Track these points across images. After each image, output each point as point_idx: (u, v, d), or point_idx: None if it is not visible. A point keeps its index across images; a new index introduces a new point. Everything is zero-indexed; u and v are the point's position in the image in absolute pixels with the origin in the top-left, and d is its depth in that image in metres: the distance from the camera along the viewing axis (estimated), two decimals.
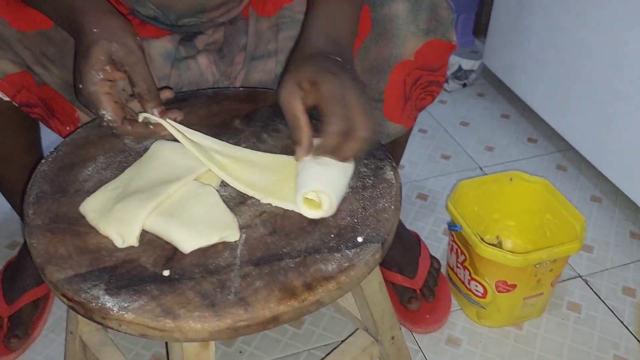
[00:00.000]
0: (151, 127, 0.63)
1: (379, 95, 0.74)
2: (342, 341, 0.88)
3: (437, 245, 1.10)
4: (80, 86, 0.60)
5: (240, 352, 0.92)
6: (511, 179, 0.99)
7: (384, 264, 0.98)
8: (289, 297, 0.49)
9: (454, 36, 0.74)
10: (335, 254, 0.53)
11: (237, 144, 0.65)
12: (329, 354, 0.83)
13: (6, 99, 0.72)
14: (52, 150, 0.64)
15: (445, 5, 0.71)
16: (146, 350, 0.92)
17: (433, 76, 0.76)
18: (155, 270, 0.51)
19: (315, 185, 0.55)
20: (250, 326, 0.48)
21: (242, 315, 0.48)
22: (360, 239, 0.54)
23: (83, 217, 0.55)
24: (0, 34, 0.69)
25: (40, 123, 0.80)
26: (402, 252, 0.97)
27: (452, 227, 0.91)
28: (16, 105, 0.72)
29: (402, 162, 1.31)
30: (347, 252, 0.53)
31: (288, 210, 0.57)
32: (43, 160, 0.63)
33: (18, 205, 0.87)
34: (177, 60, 0.78)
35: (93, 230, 0.54)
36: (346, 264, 0.52)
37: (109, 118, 0.61)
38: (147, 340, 0.93)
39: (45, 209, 0.57)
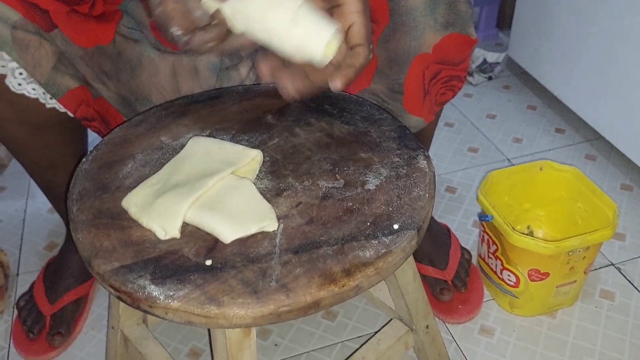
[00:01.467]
0: (215, 22, 0.55)
1: (398, 86, 0.75)
2: (376, 332, 0.89)
3: (467, 237, 1.11)
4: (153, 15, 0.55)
5: (276, 345, 0.93)
6: (541, 168, 0.99)
7: (415, 257, 0.99)
8: (329, 283, 0.50)
9: (474, 30, 0.74)
10: (372, 241, 0.54)
11: (270, 138, 0.66)
12: (363, 344, 0.84)
13: (70, 114, 0.75)
14: (92, 149, 0.66)
15: None
16: (183, 345, 0.94)
17: (453, 70, 0.76)
18: (197, 260, 0.52)
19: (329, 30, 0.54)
20: (292, 311, 0.49)
21: (284, 301, 0.49)
22: (396, 226, 0.55)
23: (125, 211, 0.57)
24: (64, 51, 0.72)
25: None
26: (433, 244, 0.98)
27: (483, 217, 0.91)
28: (72, 117, 0.75)
29: (430, 155, 1.31)
30: (384, 239, 0.54)
31: (324, 200, 0.58)
32: (84, 160, 0.65)
33: (63, 209, 0.90)
34: (222, 70, 0.80)
35: (135, 224, 0.56)
36: (383, 250, 0.53)
37: (178, 33, 0.54)
38: (185, 335, 0.95)
39: (88, 205, 0.59)
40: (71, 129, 0.83)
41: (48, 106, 0.76)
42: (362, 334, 0.94)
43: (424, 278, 0.98)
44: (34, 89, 0.74)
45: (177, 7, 0.54)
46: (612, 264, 1.04)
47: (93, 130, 0.80)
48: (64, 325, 0.94)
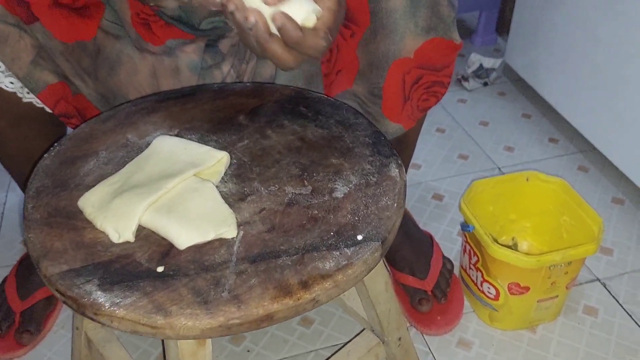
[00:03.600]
0: None
1: (378, 91, 0.73)
2: (347, 343, 0.87)
3: (451, 246, 1.08)
4: None
5: (248, 351, 0.91)
6: (527, 179, 0.97)
7: (395, 265, 0.97)
8: (284, 295, 0.48)
9: (457, 35, 0.71)
10: (334, 252, 0.51)
11: (240, 140, 0.64)
12: (336, 352, 0.82)
13: (47, 109, 0.73)
14: (55, 144, 0.64)
15: (446, 3, 0.69)
16: (154, 348, 0.92)
17: (436, 76, 0.73)
18: (149, 266, 0.50)
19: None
20: (242, 324, 0.47)
21: (235, 313, 0.47)
22: (360, 237, 0.53)
23: (81, 211, 0.55)
24: (44, 45, 0.70)
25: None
26: (414, 253, 0.96)
27: (465, 227, 0.89)
28: (52, 113, 0.73)
29: (419, 161, 1.29)
30: (346, 250, 0.51)
31: (289, 207, 0.56)
32: (46, 155, 0.63)
33: None
34: (204, 69, 0.77)
35: (90, 224, 0.54)
36: (344, 262, 0.50)
37: None
38: (155, 338, 0.93)
39: (44, 203, 0.56)
40: (50, 123, 0.80)
41: (25, 100, 0.74)
42: (337, 343, 0.92)
43: (403, 287, 0.95)
44: (11, 83, 0.72)
45: None
46: (598, 279, 1.02)
47: (71, 127, 0.78)
48: (33, 323, 0.92)
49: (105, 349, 0.73)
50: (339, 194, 0.57)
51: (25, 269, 0.97)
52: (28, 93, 0.73)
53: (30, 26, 0.69)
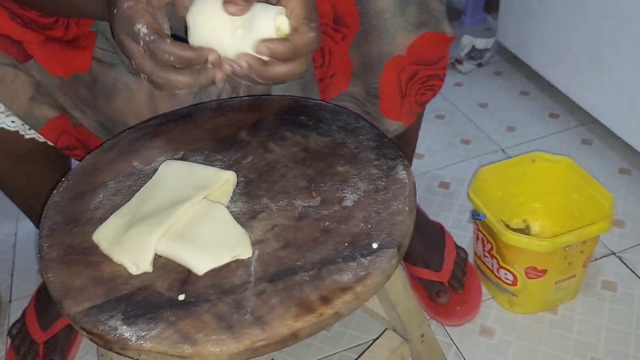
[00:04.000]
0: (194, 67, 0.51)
1: (374, 91, 0.73)
2: (373, 341, 0.87)
3: (462, 234, 1.08)
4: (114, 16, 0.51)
5: (272, 359, 0.91)
6: (533, 161, 0.97)
7: (409, 260, 0.97)
8: (306, 312, 0.48)
9: (449, 27, 0.71)
10: (351, 263, 0.51)
11: (244, 157, 0.64)
12: (360, 355, 0.82)
13: (41, 140, 0.73)
14: (62, 179, 0.64)
15: None
16: None
17: (431, 70, 0.73)
18: (170, 295, 0.50)
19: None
20: (269, 345, 0.47)
21: (260, 335, 0.47)
22: (375, 246, 0.53)
23: (96, 246, 0.55)
24: (40, 82, 0.70)
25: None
26: (426, 246, 0.96)
27: (476, 216, 0.89)
28: (54, 146, 0.73)
29: (422, 150, 1.29)
30: (363, 260, 0.52)
31: (300, 221, 0.56)
32: (55, 192, 0.63)
33: None
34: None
35: (107, 258, 0.54)
36: (362, 273, 0.51)
37: (145, 32, 0.49)
38: None
39: (59, 241, 0.57)
40: (54, 156, 0.81)
41: (27, 137, 0.74)
42: (360, 343, 0.92)
43: (419, 281, 0.96)
44: (12, 122, 0.72)
45: (145, 7, 0.50)
46: (613, 253, 1.02)
47: (76, 159, 0.78)
48: (57, 352, 0.92)
49: None
50: (348, 203, 0.58)
51: (44, 298, 0.98)
52: (30, 129, 0.74)
53: (25, 64, 0.69)
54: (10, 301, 1.05)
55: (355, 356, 0.90)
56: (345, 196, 0.58)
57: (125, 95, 0.76)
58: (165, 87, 0.52)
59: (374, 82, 0.72)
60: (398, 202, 0.57)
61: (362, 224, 0.55)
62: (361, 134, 0.66)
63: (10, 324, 0.99)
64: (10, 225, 1.22)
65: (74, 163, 0.84)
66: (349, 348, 0.92)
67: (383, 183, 0.59)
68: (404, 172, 0.60)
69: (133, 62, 0.52)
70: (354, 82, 0.74)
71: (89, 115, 0.75)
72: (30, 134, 0.74)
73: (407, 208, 0.56)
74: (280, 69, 0.51)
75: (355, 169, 0.61)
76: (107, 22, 0.54)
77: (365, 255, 0.52)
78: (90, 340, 0.50)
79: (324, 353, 0.92)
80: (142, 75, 0.52)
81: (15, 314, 1.02)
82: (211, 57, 0.51)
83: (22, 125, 0.73)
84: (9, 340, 0.95)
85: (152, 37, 0.49)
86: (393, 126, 0.76)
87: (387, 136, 0.77)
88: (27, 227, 1.21)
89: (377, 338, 0.77)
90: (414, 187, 0.59)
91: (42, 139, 0.73)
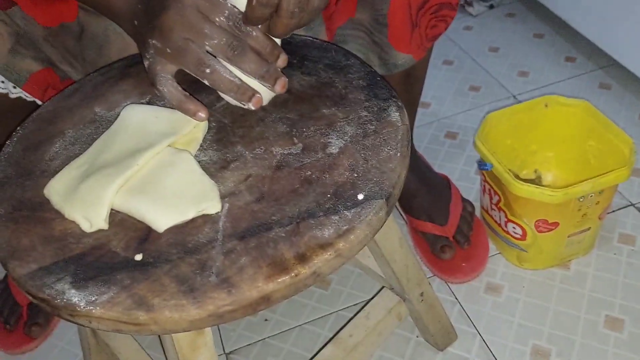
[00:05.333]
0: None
1: (382, 18, 0.65)
2: (367, 301, 0.82)
3: (470, 186, 1.01)
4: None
5: (266, 320, 0.87)
6: (546, 105, 0.88)
7: (412, 213, 0.91)
8: (279, 273, 0.42)
9: None
10: (333, 217, 0.45)
11: (218, 99, 0.57)
12: (354, 315, 0.77)
13: (30, 98, 0.67)
14: (17, 128, 0.58)
15: None
16: None
17: None
18: (126, 255, 0.44)
19: None
20: (236, 310, 0.41)
21: (225, 300, 0.41)
22: (360, 197, 0.46)
23: (48, 201, 0.49)
24: (25, 32, 0.64)
25: None
26: (431, 199, 0.89)
27: (482, 165, 0.82)
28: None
29: (428, 99, 1.20)
30: (346, 212, 0.45)
31: (278, 170, 0.49)
32: (8, 142, 0.56)
33: None
34: None
35: (60, 215, 0.48)
36: (345, 227, 0.44)
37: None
38: None
39: (8, 196, 0.51)
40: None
41: (12, 96, 0.68)
42: (358, 302, 0.87)
43: (423, 235, 0.89)
44: None
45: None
46: (632, 204, 0.95)
47: None
48: (41, 315, 0.88)
49: (111, 339, 0.69)
50: (333, 150, 0.51)
51: None
52: (14, 87, 0.67)
53: (8, 12, 0.62)
54: None
55: (353, 315, 0.85)
56: (330, 142, 0.51)
57: (118, 46, 0.69)
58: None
59: (381, 9, 0.64)
60: (389, 147, 0.50)
61: (347, 173, 0.48)
62: (350, 72, 0.58)
63: None
64: None
65: None
66: (347, 307, 0.87)
67: (373, 127, 0.52)
68: (397, 113, 0.53)
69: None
70: (361, 8, 0.67)
71: (78, 69, 0.68)
72: (15, 92, 0.67)
73: (398, 154, 0.49)
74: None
75: (343, 112, 0.54)
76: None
77: (349, 208, 0.45)
78: (38, 305, 0.44)
79: (320, 313, 0.86)
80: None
81: None
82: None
83: (3, 82, 0.66)
84: None
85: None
86: (401, 59, 0.69)
87: (392, 70, 0.70)
88: None
89: (373, 297, 0.71)
90: (408, 131, 0.52)
91: (30, 98, 0.66)
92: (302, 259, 0.43)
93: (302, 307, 0.87)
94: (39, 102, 0.69)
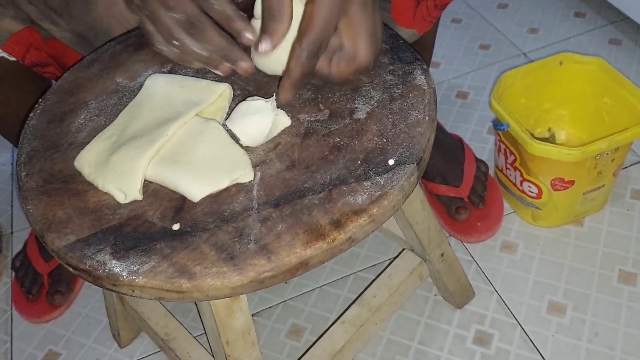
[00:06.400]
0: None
1: None
2: (390, 262, 0.83)
3: (482, 146, 1.02)
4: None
5: (286, 282, 0.88)
6: (561, 63, 0.88)
7: (426, 176, 0.91)
8: (316, 239, 0.43)
9: None
10: (364, 183, 0.45)
11: None
12: (377, 277, 0.78)
13: (12, 59, 0.66)
14: (40, 100, 0.57)
15: None
16: None
17: None
18: (164, 224, 0.45)
19: None
20: (276, 276, 0.42)
21: (266, 266, 0.42)
22: (391, 162, 0.46)
23: (79, 173, 0.50)
24: None
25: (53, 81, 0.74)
26: (444, 160, 0.89)
27: (498, 126, 0.82)
28: (25, 65, 0.66)
29: (438, 58, 1.19)
30: (378, 178, 0.46)
31: (306, 138, 0.50)
32: (31, 114, 0.56)
33: None
34: None
35: (92, 187, 0.49)
36: (377, 193, 0.45)
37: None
38: None
39: (38, 169, 0.51)
40: (29, 77, 0.74)
41: None
42: (375, 263, 0.88)
43: (437, 198, 0.90)
44: None
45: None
46: None
47: (49, 77, 0.71)
48: (62, 283, 0.89)
49: (138, 305, 0.71)
50: (360, 115, 0.51)
51: None
52: None
53: None
54: (11, 232, 1.02)
55: (371, 277, 0.87)
56: (356, 107, 0.51)
57: (105, 0, 0.67)
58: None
59: None
60: (417, 111, 0.50)
61: (376, 139, 0.49)
62: None
63: (13, 256, 0.96)
64: (6, 156, 1.17)
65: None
66: (364, 269, 0.88)
67: (399, 90, 0.52)
68: (423, 77, 0.53)
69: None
70: None
71: (62, 26, 0.66)
72: None
73: (427, 118, 0.49)
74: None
75: (367, 76, 0.54)
76: None
77: (380, 173, 0.46)
78: (79, 276, 0.45)
79: (338, 275, 0.88)
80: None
81: (17, 246, 0.99)
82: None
83: None
84: (13, 273, 0.92)
85: None
86: (405, 34, 0.68)
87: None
88: None
89: (395, 259, 0.73)
90: (434, 94, 0.52)
91: (12, 58, 0.66)
92: (337, 225, 0.43)
93: (321, 270, 0.89)
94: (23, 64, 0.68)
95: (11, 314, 0.90)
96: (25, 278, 0.90)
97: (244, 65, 0.50)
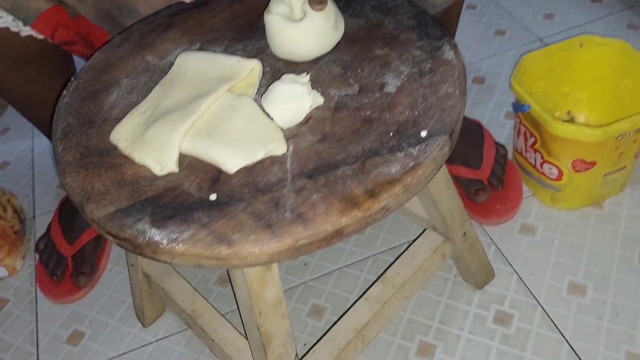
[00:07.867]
0: None
1: None
2: (411, 243, 0.84)
3: (500, 130, 1.02)
4: None
5: (305, 264, 0.89)
6: (581, 45, 0.88)
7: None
8: (351, 208, 0.43)
9: None
10: (398, 154, 0.46)
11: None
12: (397, 257, 0.79)
13: (40, 37, 0.66)
14: (72, 79, 0.58)
15: None
16: (212, 273, 0.90)
17: None
18: (200, 195, 0.46)
19: None
20: (312, 243, 0.43)
21: (302, 233, 0.43)
22: (424, 134, 0.47)
23: (115, 147, 0.51)
24: None
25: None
26: (464, 143, 0.90)
27: (519, 107, 0.82)
28: (53, 45, 0.67)
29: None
30: (411, 149, 0.46)
31: (337, 111, 0.50)
32: (64, 92, 0.57)
33: None
34: None
35: (128, 160, 0.50)
36: (411, 163, 0.45)
37: None
38: None
39: (74, 143, 0.52)
40: (54, 59, 0.75)
41: (23, 34, 0.68)
42: (394, 245, 0.89)
43: (457, 180, 0.91)
44: (0, 17, 0.65)
45: None
46: None
47: (77, 55, 0.72)
48: (86, 264, 0.91)
49: (165, 283, 0.72)
50: (391, 89, 0.51)
51: (67, 212, 0.95)
52: (25, 25, 0.67)
53: None
54: (34, 217, 1.03)
55: (390, 259, 0.87)
56: (386, 82, 0.52)
57: None
58: None
59: None
60: (447, 85, 0.51)
61: (407, 112, 0.49)
62: (399, 13, 0.58)
63: (36, 239, 0.97)
64: (26, 142, 1.18)
65: (79, 67, 0.79)
66: (384, 251, 0.89)
67: (429, 65, 0.53)
68: (452, 52, 0.54)
69: None
70: None
71: (87, 2, 0.67)
72: (25, 30, 0.67)
73: (457, 91, 0.50)
74: None
75: (396, 52, 0.55)
76: None
77: (413, 145, 0.46)
78: (118, 245, 0.46)
79: (358, 257, 0.89)
80: None
81: (40, 230, 1.00)
82: None
83: (14, 21, 0.66)
84: (37, 256, 0.94)
85: None
86: None
87: (430, 10, 0.70)
88: (42, 142, 1.17)
89: (417, 238, 0.73)
90: (464, 68, 0.52)
91: (40, 37, 0.67)
92: (372, 194, 0.44)
93: (340, 251, 0.90)
94: (50, 42, 0.68)
95: (35, 295, 0.92)
96: (50, 260, 0.91)
97: None
